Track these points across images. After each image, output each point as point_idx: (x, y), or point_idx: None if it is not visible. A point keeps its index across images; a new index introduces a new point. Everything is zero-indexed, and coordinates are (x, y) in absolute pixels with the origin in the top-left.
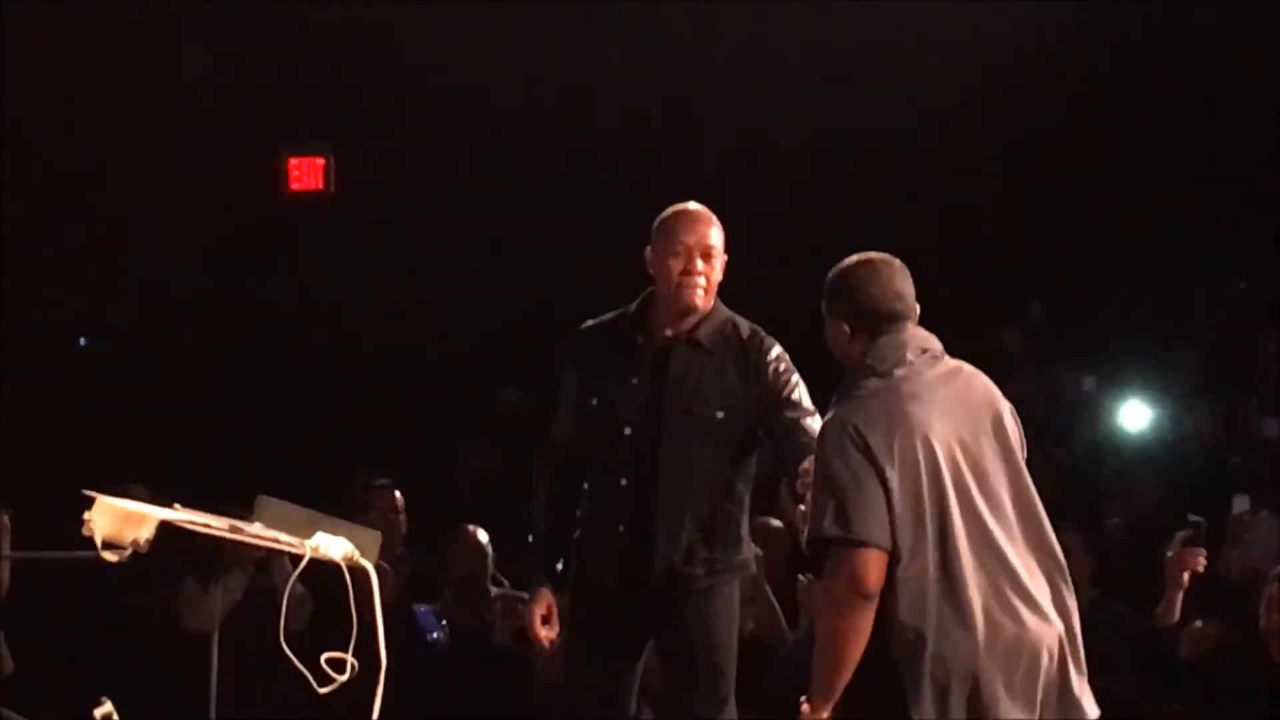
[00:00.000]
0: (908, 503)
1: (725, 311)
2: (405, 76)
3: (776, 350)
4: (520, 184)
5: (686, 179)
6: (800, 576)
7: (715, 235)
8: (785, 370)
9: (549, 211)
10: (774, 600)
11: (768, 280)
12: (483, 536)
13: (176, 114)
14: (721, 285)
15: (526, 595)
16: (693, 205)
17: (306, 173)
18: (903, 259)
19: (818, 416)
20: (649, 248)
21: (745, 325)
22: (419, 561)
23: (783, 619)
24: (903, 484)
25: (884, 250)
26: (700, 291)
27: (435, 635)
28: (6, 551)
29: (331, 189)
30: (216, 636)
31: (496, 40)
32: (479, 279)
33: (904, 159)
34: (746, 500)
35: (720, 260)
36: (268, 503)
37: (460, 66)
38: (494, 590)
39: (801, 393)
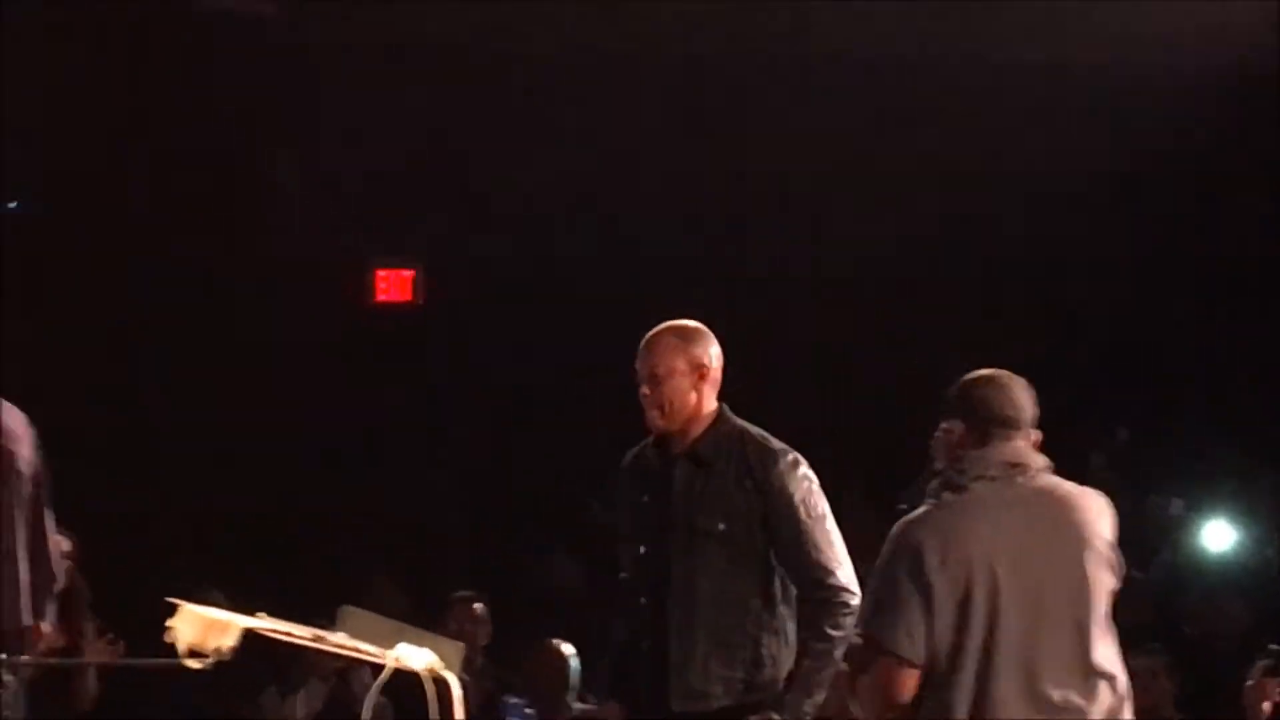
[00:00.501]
0: (949, 623)
1: (732, 423)
2: (494, 186)
3: (783, 463)
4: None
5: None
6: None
7: (661, 358)
8: (792, 486)
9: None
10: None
11: None
12: (567, 649)
13: (266, 222)
14: None
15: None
16: (657, 329)
17: (394, 284)
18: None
19: (827, 537)
20: None
21: (754, 435)
22: (501, 674)
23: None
24: (946, 605)
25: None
26: (654, 413)
27: None
28: (94, 658)
29: (420, 300)
30: None
31: (588, 148)
32: (566, 391)
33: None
34: (777, 617)
35: (677, 379)
36: (351, 612)
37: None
38: (577, 706)
39: (809, 510)
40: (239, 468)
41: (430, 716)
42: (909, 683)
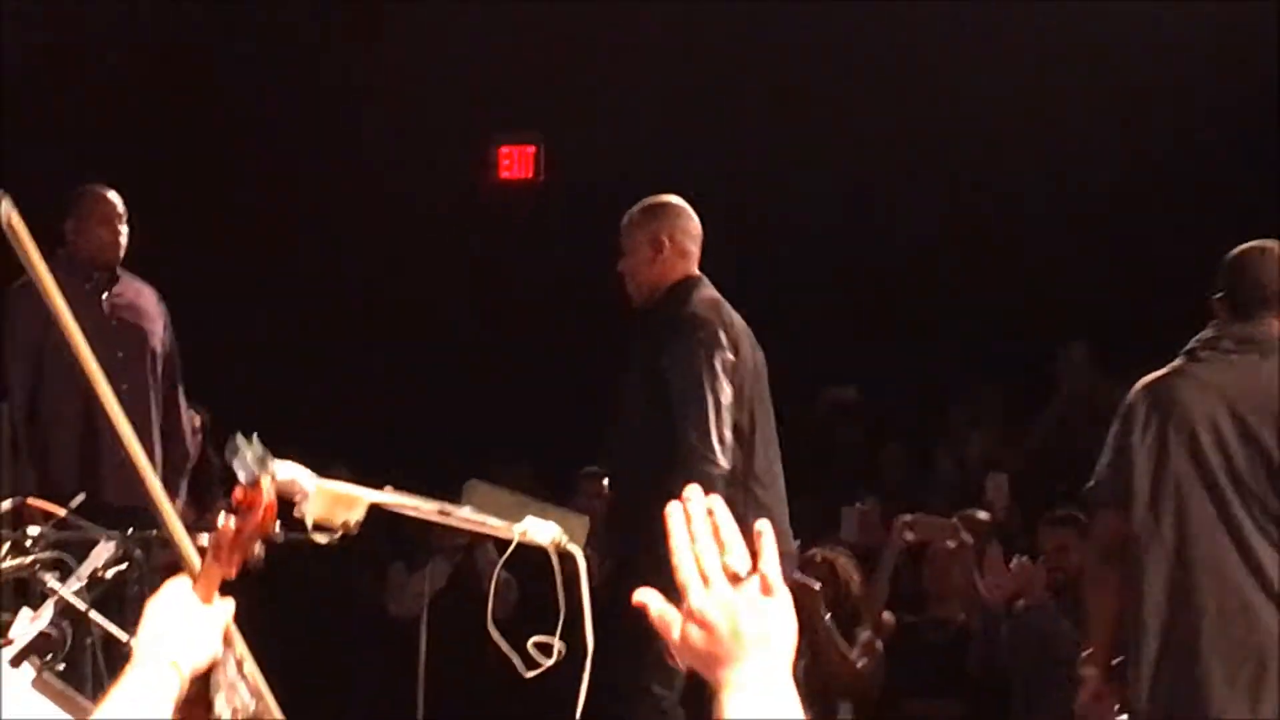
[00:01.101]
0: (1152, 478)
1: (689, 295)
2: (614, 63)
3: (682, 331)
4: (732, 175)
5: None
6: (1017, 558)
7: (624, 235)
8: (678, 352)
9: (755, 204)
10: (981, 588)
11: None
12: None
13: (389, 103)
14: None
15: None
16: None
17: (517, 161)
18: None
19: (698, 402)
20: None
21: (685, 308)
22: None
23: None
24: (1151, 460)
25: None
26: (627, 287)
27: None
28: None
29: (541, 177)
30: (424, 620)
31: (704, 28)
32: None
33: None
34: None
35: (636, 254)
36: (477, 486)
37: (662, 54)
38: None
39: (686, 375)
40: (363, 345)
41: (556, 591)
42: (1114, 532)
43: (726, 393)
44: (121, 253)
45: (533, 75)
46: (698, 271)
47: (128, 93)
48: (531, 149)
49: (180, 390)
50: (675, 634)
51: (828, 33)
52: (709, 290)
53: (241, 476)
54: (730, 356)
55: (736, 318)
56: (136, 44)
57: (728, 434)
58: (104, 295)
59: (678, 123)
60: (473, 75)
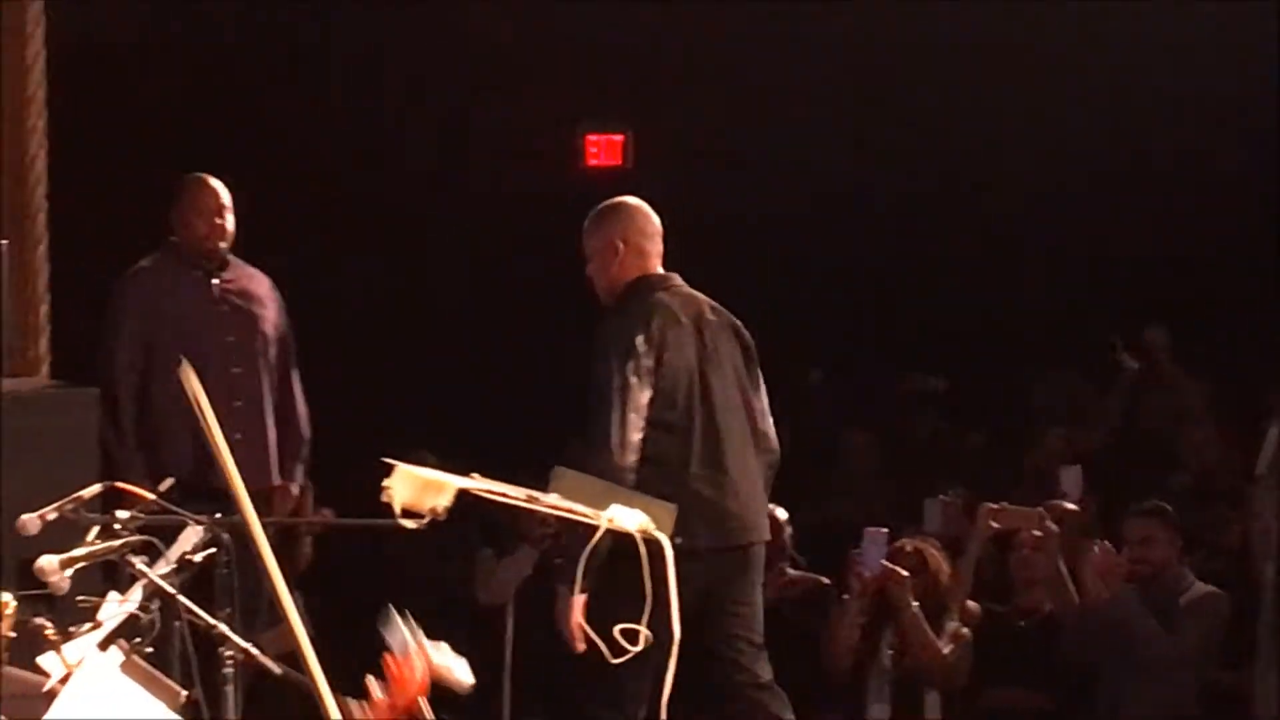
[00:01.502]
0: None
1: (636, 292)
2: (703, 53)
3: (606, 324)
4: (817, 165)
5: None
6: (1095, 546)
7: (585, 240)
8: (598, 345)
9: (838, 193)
10: (1067, 577)
11: None
12: (781, 514)
13: (481, 84)
14: None
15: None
16: None
17: (605, 149)
18: None
19: (603, 396)
20: None
21: (622, 304)
22: None
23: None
24: None
25: None
26: (596, 289)
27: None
28: (310, 519)
29: (630, 165)
30: (511, 608)
31: (793, 19)
32: (773, 257)
33: None
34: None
35: (595, 258)
36: (564, 474)
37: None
38: (790, 572)
39: (598, 368)
40: (451, 333)
41: (643, 578)
42: None
43: (635, 397)
44: (226, 240)
45: (622, 64)
46: (657, 269)
47: (228, 80)
48: (620, 137)
49: (295, 375)
50: None
51: (915, 24)
52: (659, 288)
53: (394, 647)
54: (647, 362)
55: (688, 314)
56: (237, 33)
57: (632, 435)
58: (213, 282)
59: (763, 113)
60: (562, 64)
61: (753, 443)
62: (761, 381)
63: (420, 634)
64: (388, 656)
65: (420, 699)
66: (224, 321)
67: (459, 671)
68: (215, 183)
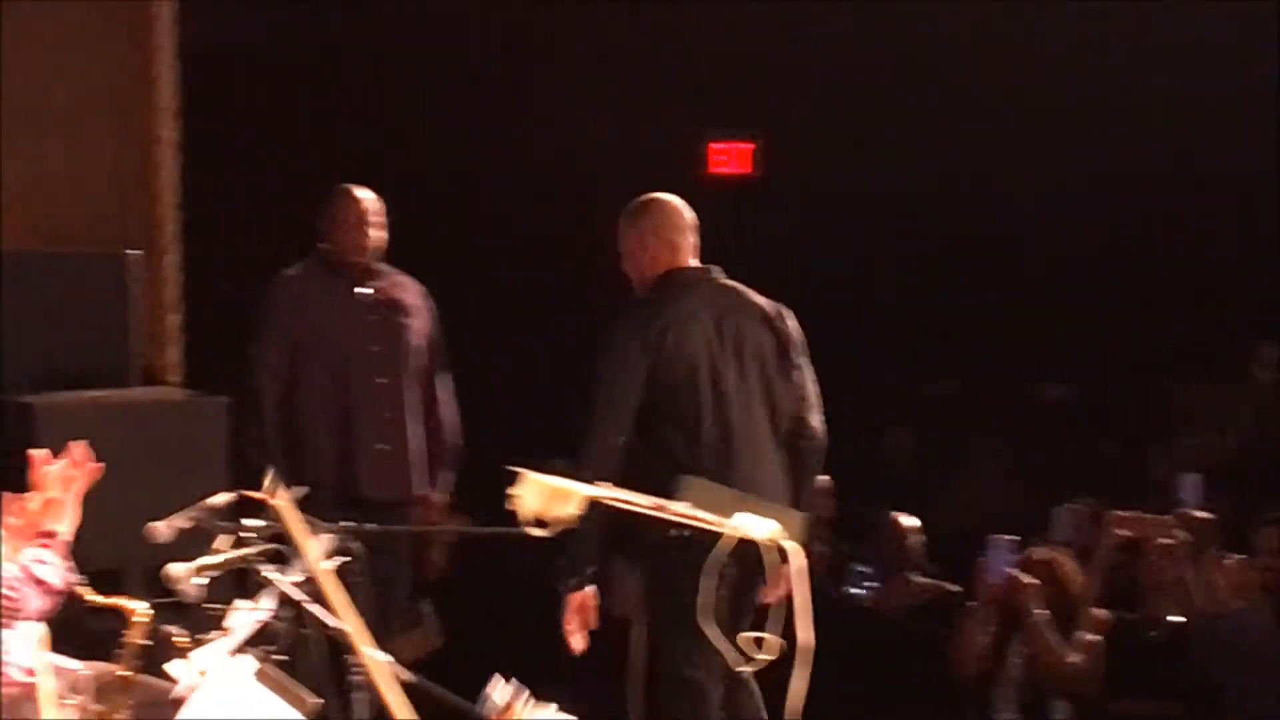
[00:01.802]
0: None
1: (656, 288)
2: (829, 60)
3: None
4: (945, 174)
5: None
6: (1226, 555)
7: (619, 240)
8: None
9: (968, 202)
10: (1196, 586)
11: None
12: (910, 522)
13: (608, 94)
14: None
15: (952, 587)
16: None
17: (731, 157)
18: None
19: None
20: None
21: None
22: (844, 546)
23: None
24: None
25: None
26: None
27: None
28: (441, 529)
29: (758, 174)
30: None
31: (920, 26)
32: (897, 263)
33: None
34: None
35: (627, 257)
36: (694, 482)
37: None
38: (918, 580)
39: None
40: (577, 340)
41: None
42: None
43: (622, 395)
44: (370, 250)
45: (748, 72)
46: (689, 262)
47: (360, 87)
48: (747, 145)
49: (444, 383)
50: None
51: (1043, 26)
52: (685, 281)
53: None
54: (635, 358)
55: (712, 307)
56: (369, 40)
57: (609, 439)
58: (361, 291)
59: (889, 118)
60: (689, 72)
61: (773, 437)
62: (802, 369)
63: (525, 695)
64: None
65: None
66: (370, 331)
67: None
68: (363, 193)
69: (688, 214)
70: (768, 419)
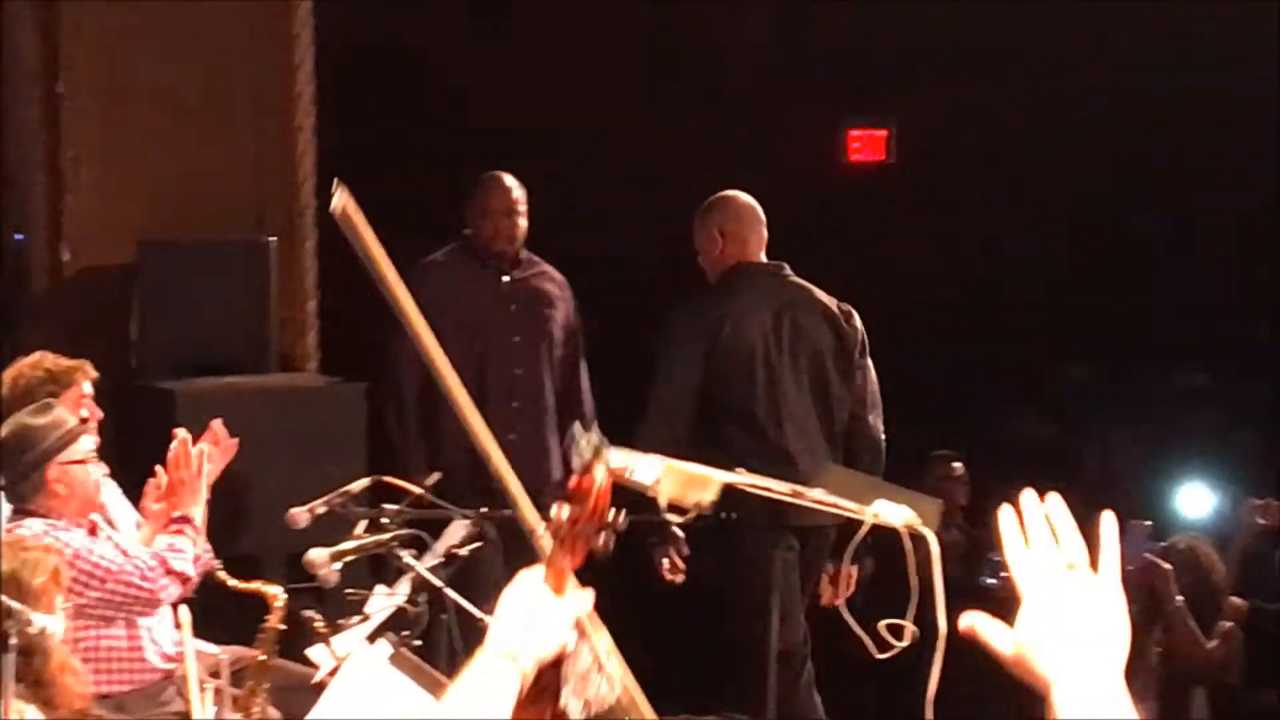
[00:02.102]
0: None
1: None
2: (966, 47)
3: None
4: (1080, 163)
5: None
6: None
7: (695, 234)
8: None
9: (1097, 193)
10: None
11: None
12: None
13: (740, 82)
14: None
15: None
16: None
17: (868, 144)
18: None
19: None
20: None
21: None
22: (980, 534)
23: None
24: None
25: None
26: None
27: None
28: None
29: (893, 160)
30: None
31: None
32: (1033, 250)
33: None
34: None
35: (702, 253)
36: (830, 469)
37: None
38: None
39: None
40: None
41: (908, 573)
42: None
43: (667, 387)
44: (517, 239)
45: (886, 60)
46: (758, 257)
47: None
48: (883, 132)
49: (583, 373)
50: (1008, 649)
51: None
52: (749, 275)
53: (575, 464)
54: (691, 348)
55: (775, 302)
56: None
57: (665, 422)
58: (504, 280)
59: (1025, 107)
60: (825, 59)
61: (824, 433)
62: (864, 370)
63: (602, 441)
64: (571, 477)
65: (602, 507)
66: (510, 321)
67: (639, 469)
68: (509, 181)
69: (759, 211)
70: (821, 415)
